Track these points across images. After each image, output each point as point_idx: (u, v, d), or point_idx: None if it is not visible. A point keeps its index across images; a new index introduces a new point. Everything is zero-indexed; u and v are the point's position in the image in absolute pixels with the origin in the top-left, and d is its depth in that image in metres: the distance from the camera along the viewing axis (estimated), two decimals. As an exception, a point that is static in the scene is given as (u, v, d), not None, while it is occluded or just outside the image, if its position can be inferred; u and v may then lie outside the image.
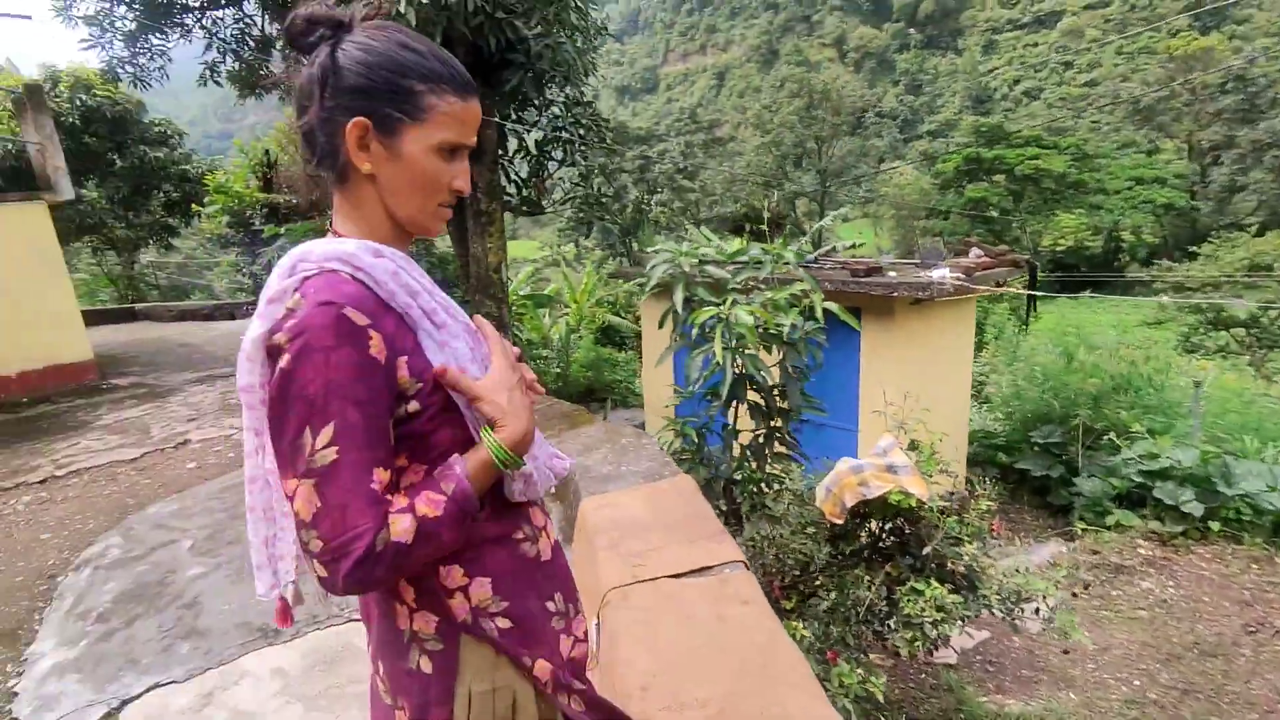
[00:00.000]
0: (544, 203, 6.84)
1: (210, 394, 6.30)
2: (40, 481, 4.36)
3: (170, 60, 8.79)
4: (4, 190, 7.42)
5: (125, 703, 2.23)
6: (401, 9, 4.99)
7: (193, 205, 14.01)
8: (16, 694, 2.36)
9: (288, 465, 0.81)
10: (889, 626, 2.53)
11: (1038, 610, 2.46)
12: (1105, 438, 5.69)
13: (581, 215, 6.85)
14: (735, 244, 3.67)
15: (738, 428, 3.51)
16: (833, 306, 3.04)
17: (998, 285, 5.69)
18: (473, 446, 0.92)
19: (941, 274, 5.00)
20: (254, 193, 11.92)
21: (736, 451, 3.51)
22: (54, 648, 2.57)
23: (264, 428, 0.89)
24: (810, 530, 2.84)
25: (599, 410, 10.68)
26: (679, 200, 28.71)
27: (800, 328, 3.13)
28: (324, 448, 0.79)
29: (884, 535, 2.67)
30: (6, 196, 6.60)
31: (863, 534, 2.71)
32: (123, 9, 8.24)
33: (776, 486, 3.46)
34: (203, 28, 8.66)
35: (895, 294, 4.98)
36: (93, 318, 11.66)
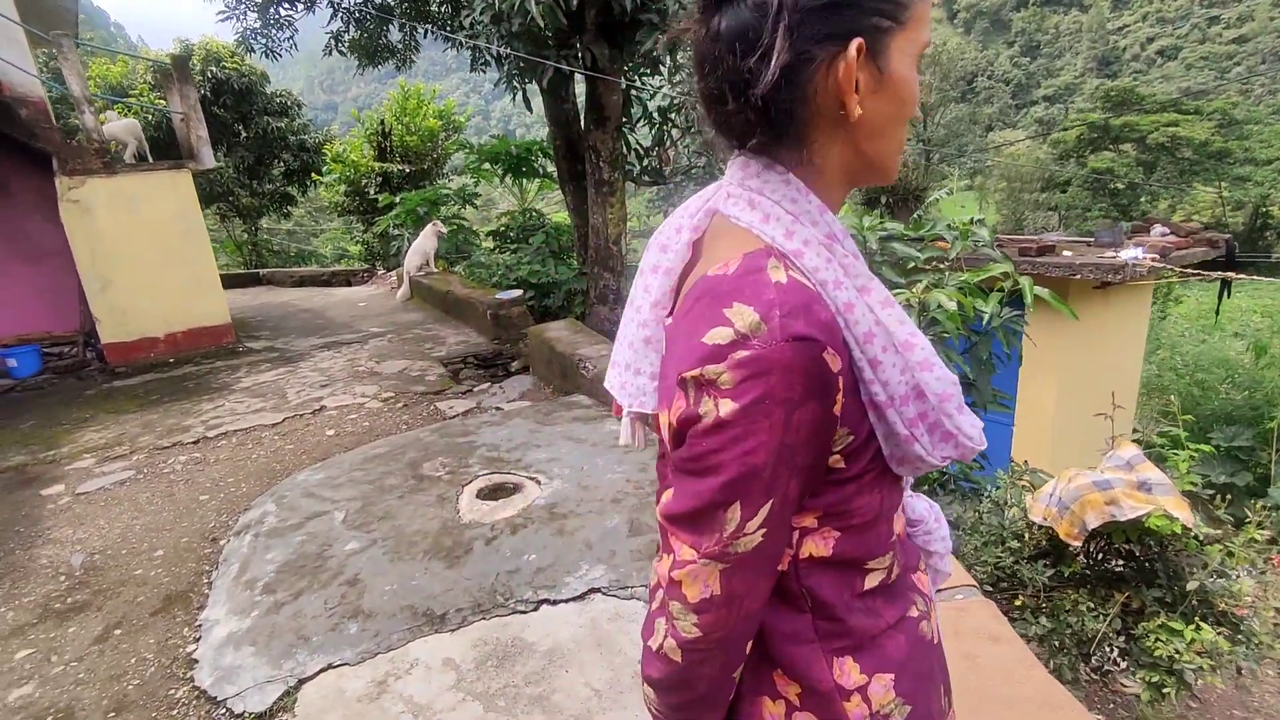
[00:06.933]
0: (666, 172, 6.58)
1: (338, 360, 6.45)
2: (194, 442, 4.53)
3: (297, 31, 8.99)
4: (148, 160, 7.79)
5: (302, 682, 2.19)
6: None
7: (311, 174, 14.53)
8: (196, 661, 2.37)
9: (690, 531, 0.62)
10: (1119, 665, 2.20)
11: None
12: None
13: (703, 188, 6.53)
14: (845, 212, 3.31)
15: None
16: (1044, 293, 2.66)
17: (1185, 268, 5.03)
18: (895, 512, 0.72)
19: (1135, 253, 4.42)
20: (369, 162, 12.21)
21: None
22: (226, 615, 2.58)
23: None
24: (1013, 544, 2.52)
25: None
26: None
27: (999, 315, 2.77)
28: (754, 531, 0.60)
29: (1111, 558, 2.32)
30: (155, 165, 6.91)
31: (1081, 554, 2.36)
32: (256, -20, 8.48)
33: (953, 488, 3.14)
34: (326, -3, 8.80)
35: (1076, 276, 4.46)
36: (223, 282, 12.34)
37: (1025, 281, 2.66)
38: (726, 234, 0.69)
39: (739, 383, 0.57)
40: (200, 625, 2.57)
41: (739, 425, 0.58)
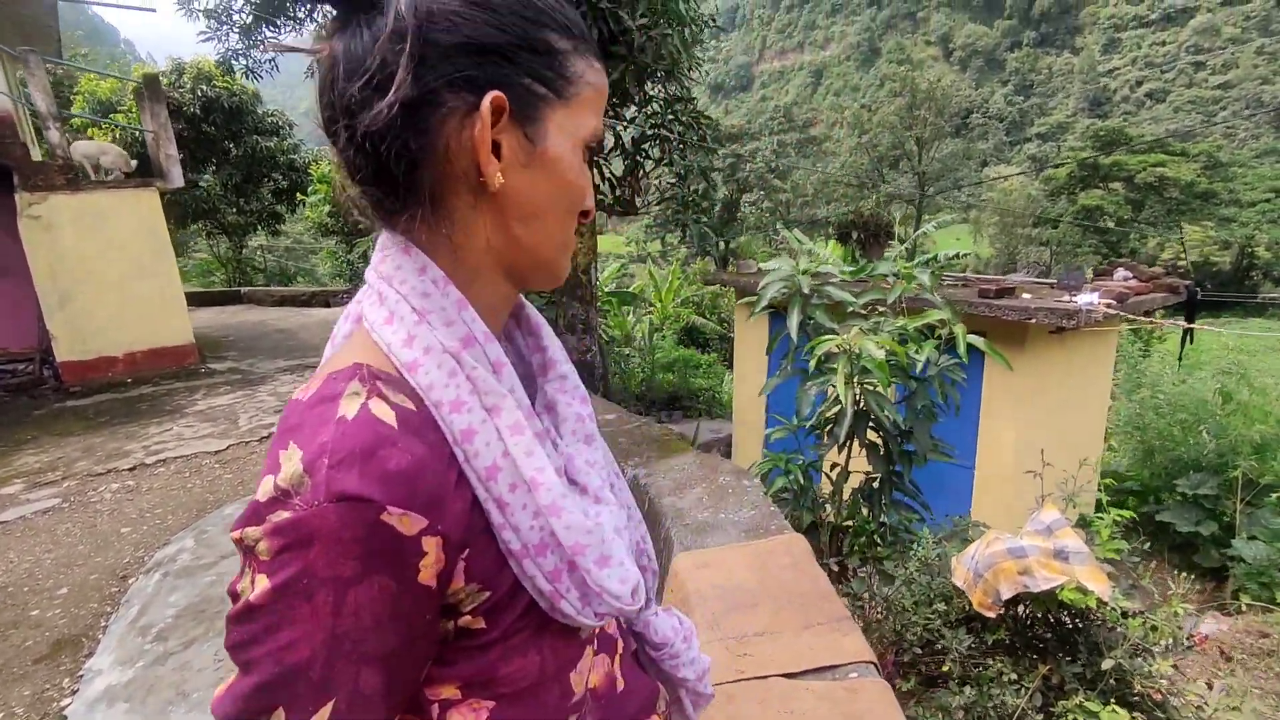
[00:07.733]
0: (638, 203, 6.54)
1: (298, 384, 6.32)
2: (130, 469, 4.39)
3: (281, 53, 8.99)
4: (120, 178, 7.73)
5: (170, 744, 2.06)
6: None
7: (298, 194, 14.51)
8: (66, 717, 2.22)
9: None
10: (1042, 741, 2.07)
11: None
12: (1275, 494, 4.87)
13: (678, 217, 6.49)
14: (832, 249, 3.24)
15: (849, 469, 3.09)
16: (979, 341, 2.58)
17: (1147, 314, 4.97)
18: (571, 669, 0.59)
19: (1090, 300, 4.36)
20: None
21: (846, 495, 3.09)
22: (111, 665, 2.44)
23: None
24: (940, 607, 2.40)
25: (686, 417, 10.39)
26: (769, 200, 27.95)
27: (936, 363, 2.69)
28: None
29: (1036, 625, 2.21)
30: (122, 183, 6.84)
31: (1008, 620, 2.25)
32: (240, 2, 8.49)
33: (891, 540, 3.03)
34: (313, 19, 8.81)
35: (1032, 320, 4.39)
36: (202, 299, 12.25)
37: (959, 329, 2.58)
38: (357, 336, 0.58)
39: (275, 554, 0.45)
40: (82, 676, 2.42)
41: (272, 611, 0.45)
